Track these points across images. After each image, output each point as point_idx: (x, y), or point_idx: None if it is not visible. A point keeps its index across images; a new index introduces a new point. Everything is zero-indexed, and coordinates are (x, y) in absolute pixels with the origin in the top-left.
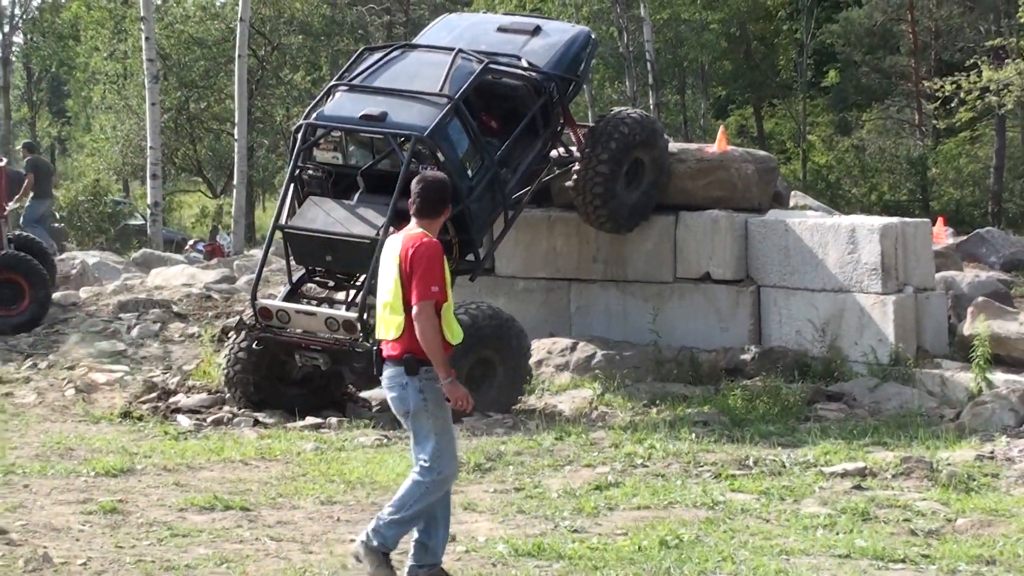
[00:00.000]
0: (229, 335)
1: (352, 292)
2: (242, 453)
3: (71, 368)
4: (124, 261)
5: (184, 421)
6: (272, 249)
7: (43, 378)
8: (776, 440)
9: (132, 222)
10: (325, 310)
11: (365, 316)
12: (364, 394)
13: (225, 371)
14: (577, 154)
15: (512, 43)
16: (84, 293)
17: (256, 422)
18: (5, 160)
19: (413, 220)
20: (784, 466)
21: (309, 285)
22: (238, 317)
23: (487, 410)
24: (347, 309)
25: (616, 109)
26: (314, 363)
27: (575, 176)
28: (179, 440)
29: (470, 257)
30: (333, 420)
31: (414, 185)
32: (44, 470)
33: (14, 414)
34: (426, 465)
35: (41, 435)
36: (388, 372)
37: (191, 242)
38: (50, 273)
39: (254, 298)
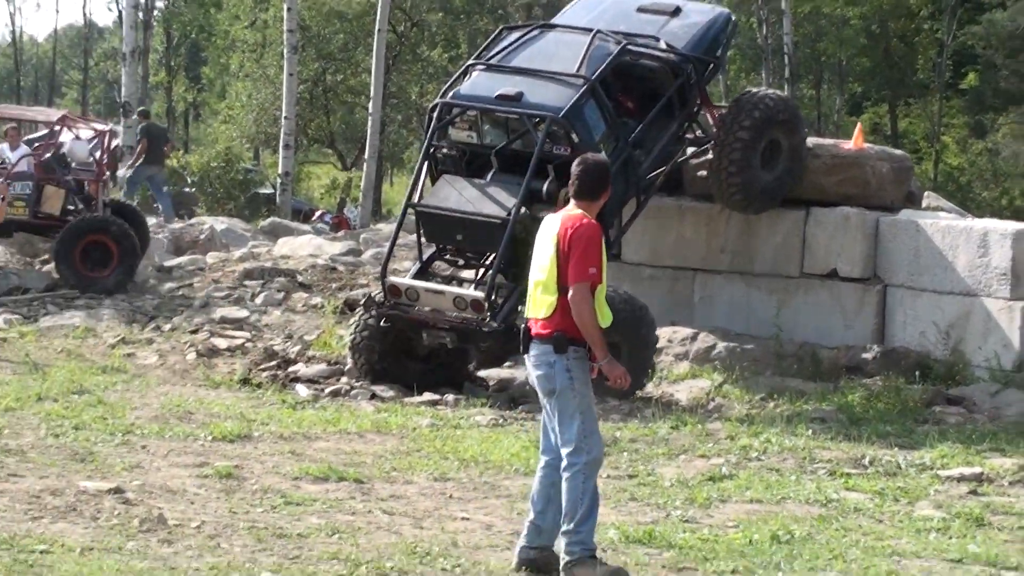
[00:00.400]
0: (355, 309)
1: (480, 271)
2: (358, 425)
3: (194, 332)
4: (252, 229)
5: (302, 390)
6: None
7: (165, 341)
8: (893, 441)
9: (262, 191)
10: (454, 289)
11: (493, 296)
12: (482, 373)
13: (352, 337)
14: (714, 134)
15: (652, 23)
16: (211, 258)
17: (373, 395)
18: (111, 126)
19: (572, 201)
20: (900, 467)
21: (437, 263)
22: (367, 294)
23: (606, 396)
24: (475, 288)
25: (760, 87)
26: (441, 341)
27: (712, 151)
28: (296, 409)
29: None
30: (450, 397)
31: (574, 167)
32: (162, 432)
33: (135, 375)
34: (572, 448)
35: (161, 397)
36: (535, 350)
37: (318, 213)
38: (142, 240)
39: (384, 275)
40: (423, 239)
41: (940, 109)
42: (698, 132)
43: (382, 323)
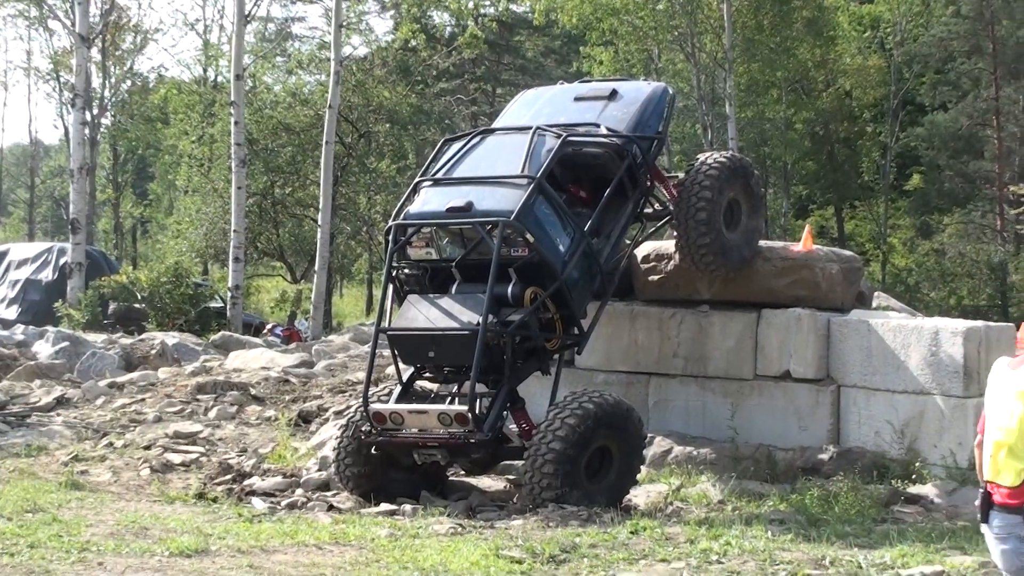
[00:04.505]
0: (310, 421)
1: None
2: (316, 537)
3: (147, 448)
4: (203, 343)
5: (258, 504)
6: (348, 336)
7: (119, 457)
8: (852, 541)
9: (212, 305)
10: (437, 406)
11: (476, 407)
12: (472, 480)
13: (335, 464)
14: (671, 206)
15: (591, 111)
16: (163, 374)
17: (331, 507)
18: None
19: None
20: (861, 567)
21: (419, 383)
22: (347, 418)
23: (599, 500)
24: (457, 402)
25: (711, 151)
26: (433, 459)
27: (675, 218)
28: (253, 522)
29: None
30: (407, 507)
31: None
32: (119, 548)
33: (90, 492)
34: None
35: (116, 514)
36: (1000, 521)
37: (269, 326)
38: None
39: (366, 404)
40: (399, 362)
41: (886, 211)
42: (657, 206)
43: (373, 451)
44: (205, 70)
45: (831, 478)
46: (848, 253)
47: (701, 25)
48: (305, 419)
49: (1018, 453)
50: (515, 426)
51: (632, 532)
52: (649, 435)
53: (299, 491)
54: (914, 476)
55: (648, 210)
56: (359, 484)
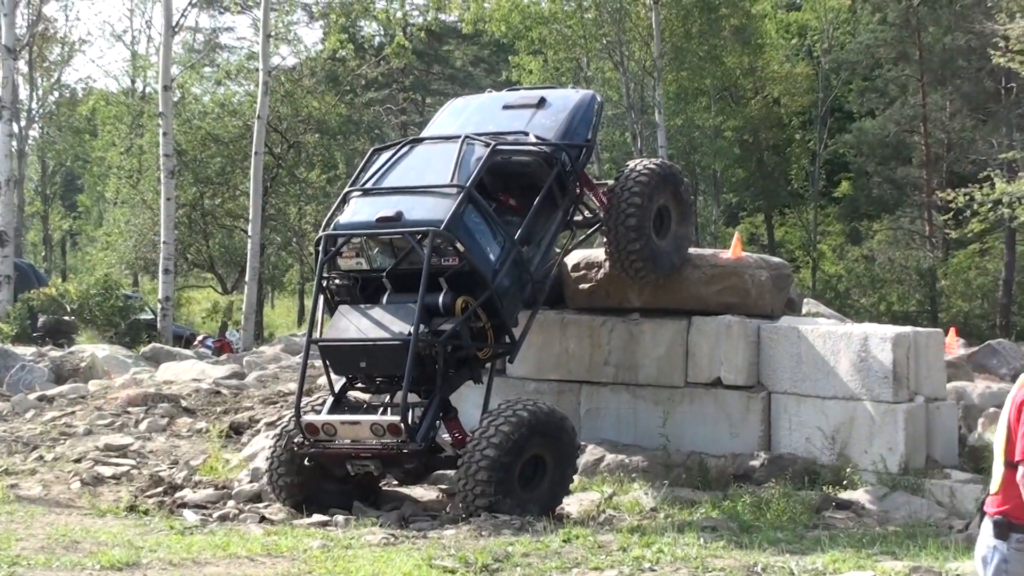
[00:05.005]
0: (241, 433)
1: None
2: (248, 549)
3: (77, 461)
4: (133, 355)
5: (190, 516)
6: (279, 347)
7: (49, 470)
8: (784, 547)
9: (142, 317)
10: (369, 416)
11: (409, 417)
12: (405, 490)
13: (268, 469)
14: (601, 213)
15: (519, 119)
16: (93, 386)
17: (262, 519)
18: None
19: None
20: (792, 573)
21: (351, 394)
22: (279, 428)
23: (532, 509)
24: (390, 412)
25: (641, 159)
26: (366, 470)
27: (605, 225)
28: (185, 535)
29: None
30: (340, 518)
31: None
32: (49, 562)
33: (20, 506)
34: None
35: (46, 527)
36: (983, 527)
37: (200, 338)
38: None
39: (298, 415)
40: (331, 373)
41: (815, 217)
42: (586, 214)
43: (306, 463)
44: (133, 81)
45: (763, 485)
46: (777, 260)
47: (630, 34)
48: (236, 431)
49: (1000, 459)
50: (448, 436)
51: (565, 540)
52: (581, 443)
53: (231, 503)
54: (845, 482)
55: (578, 218)
56: (292, 495)
